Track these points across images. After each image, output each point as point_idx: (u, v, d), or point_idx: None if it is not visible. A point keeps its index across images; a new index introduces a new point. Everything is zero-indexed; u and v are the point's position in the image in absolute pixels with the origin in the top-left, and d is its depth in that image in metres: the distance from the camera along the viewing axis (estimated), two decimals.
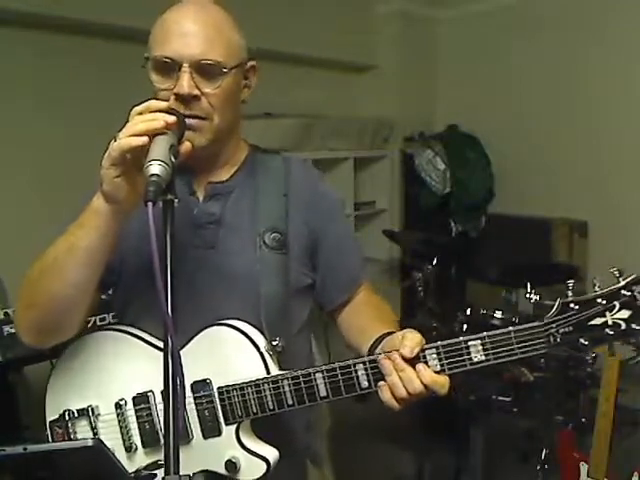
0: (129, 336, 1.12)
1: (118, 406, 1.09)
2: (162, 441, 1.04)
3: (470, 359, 0.93)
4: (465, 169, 4.26)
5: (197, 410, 1.05)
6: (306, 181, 1.24)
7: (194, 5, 1.08)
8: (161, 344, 1.04)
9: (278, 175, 1.20)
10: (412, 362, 0.94)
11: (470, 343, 0.93)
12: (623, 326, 0.89)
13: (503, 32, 4.25)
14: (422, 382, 0.92)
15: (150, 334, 1.11)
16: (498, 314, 2.68)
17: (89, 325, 1.41)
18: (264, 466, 1.02)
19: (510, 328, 0.93)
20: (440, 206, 4.29)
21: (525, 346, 0.92)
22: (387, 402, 0.95)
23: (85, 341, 1.13)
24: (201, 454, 1.04)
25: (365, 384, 0.97)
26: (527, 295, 2.51)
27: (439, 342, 0.95)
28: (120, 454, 1.08)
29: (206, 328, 1.06)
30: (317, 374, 0.99)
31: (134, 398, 1.09)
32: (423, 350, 0.94)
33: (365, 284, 1.27)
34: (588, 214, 3.94)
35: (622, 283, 0.91)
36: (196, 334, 1.07)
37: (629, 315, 0.89)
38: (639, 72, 3.70)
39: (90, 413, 1.10)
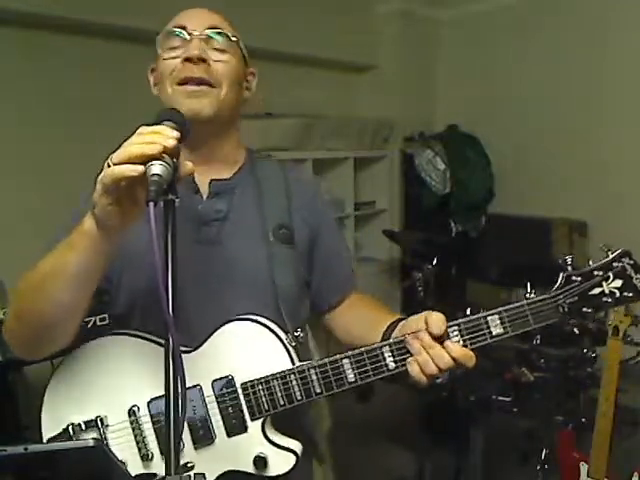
0: (136, 338, 1.07)
1: (131, 413, 1.05)
2: (182, 446, 1.00)
3: (490, 332, 1.01)
4: (465, 169, 4.26)
5: (220, 409, 1.03)
6: (303, 183, 1.26)
7: (201, 5, 1.13)
8: (182, 347, 1.04)
9: (277, 175, 1.21)
10: (439, 340, 0.98)
11: (489, 318, 1.01)
12: (617, 294, 1.01)
13: (503, 32, 4.26)
14: (451, 356, 0.98)
15: (158, 336, 1.04)
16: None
17: (89, 325, 1.40)
18: (293, 458, 1.02)
19: (524, 301, 1.03)
20: (440, 206, 4.29)
21: (538, 317, 1.02)
22: (416, 377, 0.98)
23: (84, 351, 1.08)
24: (226, 454, 1.02)
25: (392, 365, 1.00)
26: (527, 295, 2.51)
27: (460, 319, 1.01)
28: (135, 464, 1.04)
29: (224, 325, 1.04)
30: (344, 360, 1.01)
31: (149, 403, 1.05)
32: (449, 327, 1.00)
33: (353, 290, 1.30)
34: (588, 214, 3.94)
35: (612, 256, 1.03)
36: (213, 332, 1.04)
37: (621, 284, 1.01)
38: (639, 72, 3.70)
39: (99, 424, 1.05)
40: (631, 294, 1.01)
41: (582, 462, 2.11)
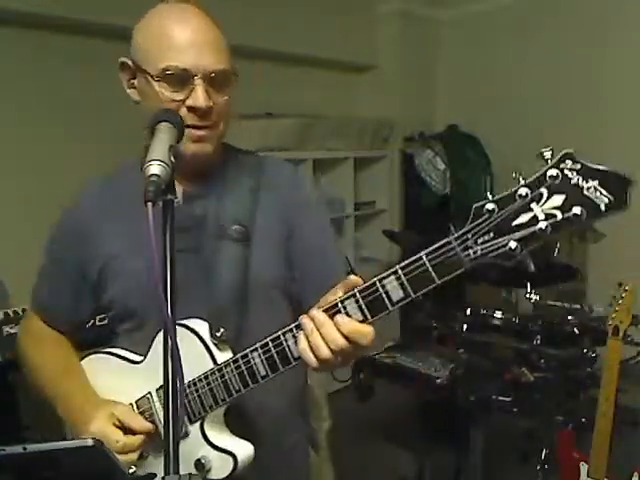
0: (107, 355, 1.16)
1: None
2: (146, 455, 1.07)
3: (390, 299, 0.84)
4: (465, 169, 4.26)
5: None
6: (282, 179, 1.22)
7: (189, 13, 1.05)
8: (136, 357, 1.11)
9: (250, 172, 1.19)
10: (332, 316, 0.86)
11: (385, 281, 0.83)
12: (559, 216, 0.71)
13: (503, 32, 4.25)
14: (342, 334, 0.84)
15: (129, 350, 1.14)
16: (498, 314, 2.68)
17: (88, 325, 1.42)
18: (231, 463, 1.00)
19: (422, 252, 0.81)
20: (440, 206, 4.29)
21: (442, 268, 0.80)
22: (308, 361, 0.87)
23: None
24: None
25: (297, 354, 0.90)
26: (527, 295, 2.51)
27: (356, 289, 0.85)
28: None
29: (159, 332, 1.04)
30: (254, 353, 0.95)
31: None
32: (342, 302, 0.86)
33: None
34: None
35: (549, 165, 0.73)
36: (153, 340, 1.08)
37: (563, 200, 0.71)
38: (639, 72, 3.70)
39: None
40: (582, 211, 0.69)
41: (582, 462, 2.11)
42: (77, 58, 2.86)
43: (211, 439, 1.02)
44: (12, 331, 2.24)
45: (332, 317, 0.86)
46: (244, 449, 1.02)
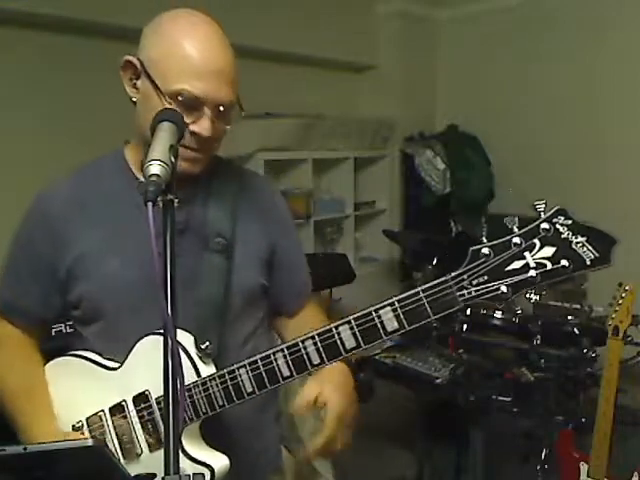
0: (81, 360, 1.14)
1: (76, 430, 1.10)
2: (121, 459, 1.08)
3: (384, 328, 0.87)
4: (465, 169, 4.26)
5: (141, 424, 1.06)
6: (261, 193, 1.25)
7: (205, 27, 1.04)
8: (111, 364, 1.10)
9: (232, 183, 1.20)
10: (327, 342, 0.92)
11: (381, 312, 0.87)
12: (549, 265, 0.77)
13: (503, 32, 4.25)
14: None
15: (103, 356, 1.12)
16: (498, 314, 2.68)
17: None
18: (208, 475, 1.00)
19: (419, 288, 0.85)
20: (440, 206, 4.29)
21: (438, 305, 0.84)
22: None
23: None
24: (150, 468, 1.01)
25: (287, 373, 0.95)
26: (527, 295, 2.51)
27: (351, 316, 0.89)
28: None
29: (140, 340, 1.06)
30: (241, 369, 0.97)
31: (87, 419, 1.11)
32: (337, 327, 0.90)
33: (312, 299, 1.30)
34: (588, 214, 3.92)
35: (541, 218, 0.78)
36: (132, 348, 1.07)
37: (554, 252, 0.77)
38: (639, 72, 3.70)
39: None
40: (569, 263, 0.76)
41: (582, 462, 2.11)
42: (77, 58, 2.85)
43: (188, 451, 1.01)
44: None
45: (326, 346, 0.91)
46: (220, 461, 1.03)
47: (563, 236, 0.77)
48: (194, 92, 1.00)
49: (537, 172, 4.18)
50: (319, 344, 0.91)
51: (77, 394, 1.13)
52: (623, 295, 2.02)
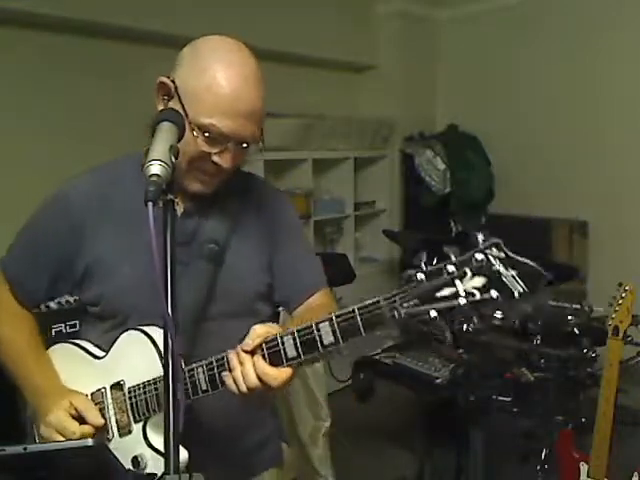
0: (74, 346, 1.20)
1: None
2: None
3: (322, 341, 0.91)
4: (465, 169, 4.26)
5: (114, 410, 1.11)
6: (265, 196, 1.27)
7: (242, 63, 1.06)
8: (98, 352, 1.16)
9: (238, 190, 1.21)
10: (253, 354, 0.96)
11: (320, 325, 0.91)
12: (477, 295, 0.78)
13: (503, 32, 4.26)
14: (257, 374, 0.94)
15: (93, 344, 1.18)
16: (498, 314, 2.67)
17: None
18: (186, 477, 1.03)
19: (354, 306, 0.89)
20: (440, 206, 4.29)
21: (370, 323, 0.87)
22: (233, 392, 0.97)
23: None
24: (120, 452, 1.07)
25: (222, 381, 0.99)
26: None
27: (294, 327, 0.94)
28: None
29: (126, 331, 1.11)
30: (199, 369, 1.01)
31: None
32: (282, 337, 0.94)
33: (326, 291, 1.29)
34: (588, 214, 3.94)
35: (477, 248, 0.80)
36: (115, 340, 1.12)
37: (484, 283, 0.78)
38: (639, 72, 3.70)
39: None
40: (497, 295, 0.78)
41: (582, 462, 2.11)
42: (77, 58, 2.86)
43: (150, 439, 1.07)
44: None
45: (272, 353, 0.94)
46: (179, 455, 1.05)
47: (494, 268, 0.78)
48: (222, 130, 1.02)
49: (537, 172, 4.18)
50: (265, 350, 0.95)
51: (65, 377, 1.19)
52: (623, 295, 2.02)
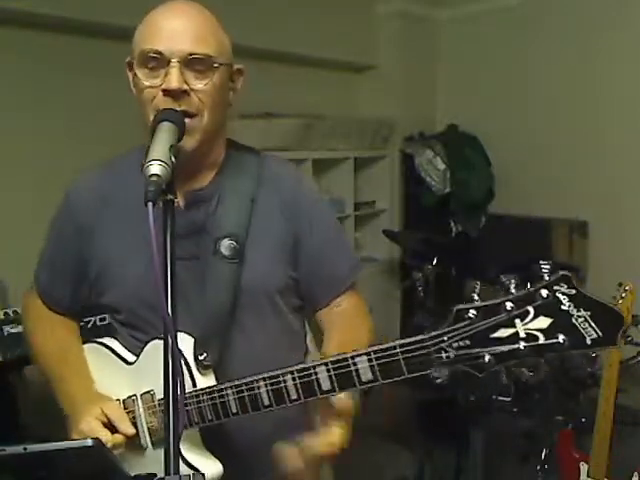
0: (103, 348, 1.18)
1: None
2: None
3: (359, 377, 0.83)
4: (465, 169, 4.26)
5: (146, 421, 1.09)
6: (284, 181, 1.18)
7: (181, 3, 1.05)
8: (129, 357, 1.14)
9: (251, 173, 1.15)
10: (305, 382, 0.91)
11: (357, 359, 0.83)
12: (541, 339, 0.67)
13: (503, 32, 4.25)
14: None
15: (125, 346, 1.16)
16: None
17: (89, 326, 1.44)
18: (187, 478, 1.01)
19: (397, 342, 0.78)
20: (440, 206, 4.29)
21: (413, 364, 0.77)
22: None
23: None
24: (151, 463, 1.06)
25: (267, 402, 0.95)
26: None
27: (329, 358, 0.87)
28: None
29: (152, 340, 1.08)
30: (228, 390, 0.97)
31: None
32: (314, 367, 0.89)
33: (353, 292, 1.22)
34: (588, 214, 3.94)
35: (543, 282, 0.67)
36: (144, 346, 1.10)
37: (549, 324, 0.66)
38: (639, 72, 3.70)
39: None
40: (565, 340, 0.66)
41: (582, 462, 2.11)
42: (77, 58, 2.85)
43: (185, 454, 1.02)
44: (12, 331, 2.24)
45: (303, 384, 0.90)
46: (212, 468, 1.04)
47: (563, 307, 0.66)
48: (153, 47, 0.99)
49: (537, 172, 4.18)
50: (297, 380, 0.90)
51: (96, 380, 1.17)
52: (623, 295, 2.02)
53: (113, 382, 1.14)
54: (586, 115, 3.90)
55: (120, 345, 1.17)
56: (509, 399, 2.49)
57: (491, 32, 4.32)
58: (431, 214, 4.29)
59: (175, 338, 0.80)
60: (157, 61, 0.99)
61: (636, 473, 2.02)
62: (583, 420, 2.48)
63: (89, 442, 0.81)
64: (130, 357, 1.14)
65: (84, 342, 1.23)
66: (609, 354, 2.01)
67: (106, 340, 1.19)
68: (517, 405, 2.52)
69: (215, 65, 1.02)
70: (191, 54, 0.99)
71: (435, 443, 2.75)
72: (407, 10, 4.36)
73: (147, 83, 1.00)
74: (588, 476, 2.08)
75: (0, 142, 2.67)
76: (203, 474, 1.00)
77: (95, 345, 1.20)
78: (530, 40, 4.10)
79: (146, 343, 1.09)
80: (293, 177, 1.22)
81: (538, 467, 2.53)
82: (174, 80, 0.98)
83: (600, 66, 3.82)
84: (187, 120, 0.99)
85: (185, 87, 0.99)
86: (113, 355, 1.16)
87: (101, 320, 1.43)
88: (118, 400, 1.12)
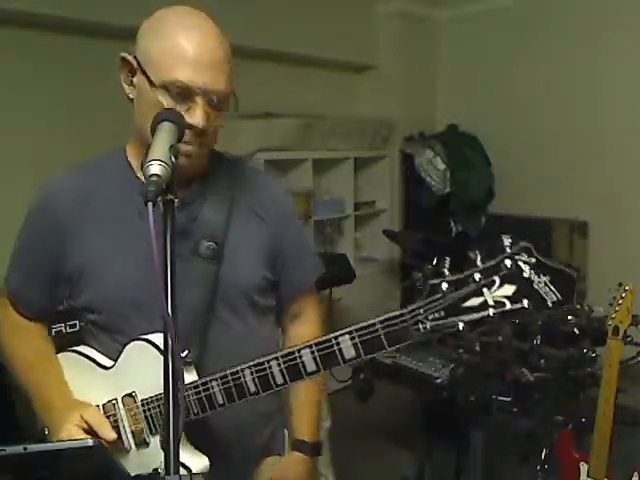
0: (79, 356, 1.17)
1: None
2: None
3: (342, 355, 0.89)
4: (465, 169, 4.26)
5: (128, 422, 1.09)
6: (262, 187, 1.24)
7: (195, 17, 1.04)
8: (106, 362, 1.13)
9: (231, 182, 1.18)
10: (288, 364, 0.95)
11: (340, 339, 0.89)
12: (508, 305, 0.73)
13: (503, 32, 4.26)
14: None
15: (99, 351, 1.16)
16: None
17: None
18: (186, 476, 1.00)
19: (376, 319, 0.85)
20: (440, 206, 4.29)
21: (393, 337, 0.84)
22: None
23: None
24: (135, 464, 1.06)
25: (253, 389, 0.98)
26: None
27: (312, 340, 0.92)
28: None
29: (129, 343, 1.09)
30: (213, 382, 1.00)
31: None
32: (299, 350, 0.93)
33: (313, 295, 1.32)
34: (588, 214, 3.94)
35: (506, 253, 0.74)
36: (123, 349, 1.10)
37: (514, 291, 0.73)
38: (639, 71, 3.70)
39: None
40: (529, 303, 0.72)
41: (582, 462, 2.11)
42: (77, 58, 2.86)
43: None
44: None
45: (289, 367, 0.94)
46: (199, 463, 1.04)
47: (525, 275, 0.74)
48: (185, 81, 0.99)
49: (537, 172, 4.18)
50: (282, 365, 0.94)
51: (74, 388, 1.16)
52: (623, 295, 2.02)
53: (91, 389, 1.13)
54: (586, 115, 3.91)
55: (95, 351, 1.16)
56: (509, 399, 2.49)
57: (491, 32, 4.32)
58: (431, 214, 4.30)
59: (175, 338, 0.80)
60: (181, 92, 1.01)
61: (636, 473, 2.02)
62: (583, 420, 2.47)
63: (89, 442, 0.82)
64: (107, 362, 1.13)
65: (57, 352, 1.21)
66: (609, 354, 2.01)
67: (80, 348, 1.18)
68: (517, 405, 2.51)
69: (231, 102, 1.06)
70: (215, 92, 1.02)
71: (435, 443, 2.75)
72: (407, 10, 4.37)
73: (167, 105, 1.00)
74: (588, 476, 2.08)
75: (0, 142, 2.68)
76: (190, 469, 1.01)
77: (68, 354, 1.19)
78: (530, 40, 4.11)
79: (124, 345, 1.09)
80: (270, 183, 1.29)
81: (538, 467, 2.52)
82: (201, 120, 1.01)
83: (600, 66, 3.82)
84: (197, 149, 1.04)
85: (208, 125, 1.02)
86: (88, 361, 1.15)
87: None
88: (97, 406, 1.11)
